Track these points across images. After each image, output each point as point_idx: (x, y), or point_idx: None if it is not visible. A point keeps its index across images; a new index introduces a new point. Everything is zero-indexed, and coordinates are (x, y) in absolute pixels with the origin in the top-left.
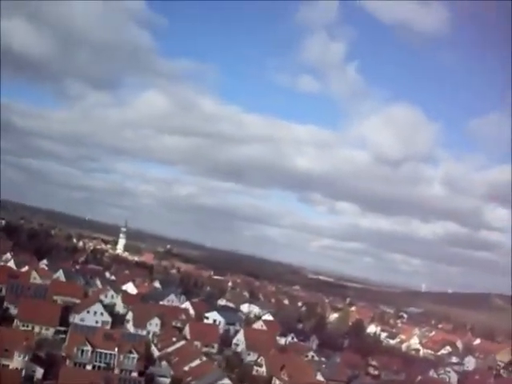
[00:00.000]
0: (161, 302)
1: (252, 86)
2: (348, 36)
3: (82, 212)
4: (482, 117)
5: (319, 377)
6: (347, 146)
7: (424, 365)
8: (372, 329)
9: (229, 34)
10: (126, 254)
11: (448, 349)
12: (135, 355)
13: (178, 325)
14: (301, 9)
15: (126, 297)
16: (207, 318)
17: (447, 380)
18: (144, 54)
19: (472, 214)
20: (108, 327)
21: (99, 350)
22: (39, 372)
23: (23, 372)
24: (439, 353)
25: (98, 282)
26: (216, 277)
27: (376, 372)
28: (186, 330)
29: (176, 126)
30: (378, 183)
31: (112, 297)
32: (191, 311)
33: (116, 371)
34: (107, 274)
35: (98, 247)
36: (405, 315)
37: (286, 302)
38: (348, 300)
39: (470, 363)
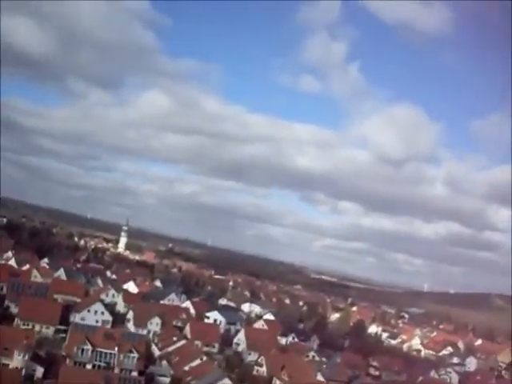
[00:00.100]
0: (162, 301)
1: (254, 86)
2: (350, 36)
3: (83, 210)
4: (484, 117)
5: (319, 377)
6: (349, 145)
7: (425, 365)
8: (373, 329)
9: (232, 34)
10: (127, 253)
11: (449, 349)
12: (135, 354)
13: (179, 324)
14: (303, 9)
15: (127, 296)
16: (208, 317)
17: (448, 381)
18: (147, 53)
19: (474, 215)
20: (109, 326)
21: (99, 350)
22: (39, 371)
23: (23, 371)
24: (440, 353)
25: (99, 281)
26: (217, 276)
27: (377, 372)
28: (187, 330)
29: (179, 125)
30: (380, 183)
31: (113, 296)
32: (192, 310)
33: (116, 370)
34: (108, 273)
35: (100, 246)
36: (406, 315)
37: (288, 301)
38: (350, 300)
39: (472, 364)
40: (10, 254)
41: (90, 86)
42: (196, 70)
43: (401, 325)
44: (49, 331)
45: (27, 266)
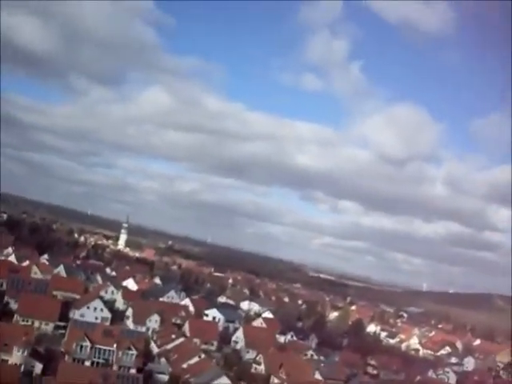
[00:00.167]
0: (161, 299)
1: (256, 84)
2: (351, 35)
3: (83, 207)
4: (484, 117)
5: (317, 375)
6: (350, 144)
7: (423, 365)
8: (372, 328)
9: (234, 32)
10: (127, 250)
11: (447, 349)
12: (134, 352)
13: (178, 322)
14: (305, 8)
15: (127, 293)
16: (207, 315)
17: (446, 380)
18: (149, 50)
19: (474, 214)
20: (108, 323)
21: (98, 346)
22: (38, 367)
23: (22, 367)
24: (439, 353)
25: (99, 278)
26: (216, 273)
27: (375, 371)
28: (186, 327)
29: (180, 123)
30: (381, 182)
31: (112, 293)
32: (191, 308)
33: (114, 367)
34: (108, 270)
35: (100, 242)
36: (405, 315)
37: (287, 299)
38: (348, 299)
39: (470, 364)
40: (10, 249)
41: (91, 83)
42: (198, 68)
43: (399, 324)
44: (48, 327)
45: (27, 262)
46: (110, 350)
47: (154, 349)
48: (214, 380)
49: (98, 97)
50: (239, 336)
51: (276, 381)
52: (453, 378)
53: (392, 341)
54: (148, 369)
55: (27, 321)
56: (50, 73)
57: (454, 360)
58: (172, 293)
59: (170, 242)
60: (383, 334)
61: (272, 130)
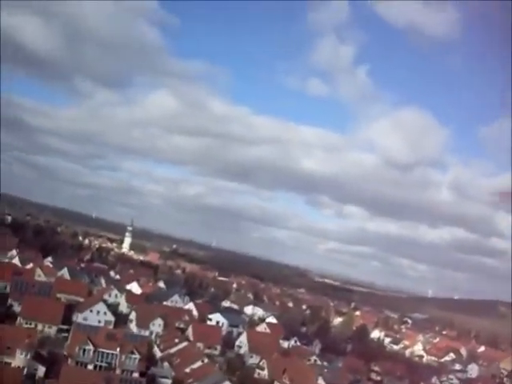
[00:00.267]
0: (165, 303)
1: (261, 88)
2: (358, 39)
3: (88, 209)
4: (491, 122)
5: (321, 381)
6: (356, 149)
7: (427, 371)
8: (376, 334)
9: (240, 36)
10: (131, 253)
11: (452, 356)
12: (137, 356)
13: (181, 326)
14: (311, 12)
15: (130, 296)
16: (210, 319)
17: None
18: (155, 53)
19: (480, 221)
20: (111, 327)
21: (101, 350)
22: (41, 370)
23: (25, 370)
24: (443, 360)
25: (103, 281)
26: (221, 278)
27: (378, 378)
28: (189, 332)
29: (185, 126)
30: (386, 187)
31: (116, 296)
32: (195, 312)
33: (117, 371)
34: (112, 273)
35: (104, 246)
36: (409, 321)
37: (291, 304)
38: (353, 304)
39: (474, 371)
40: (14, 252)
41: (97, 86)
42: (203, 72)
43: (404, 330)
44: (51, 330)
45: (31, 265)
46: (112, 354)
47: (157, 353)
48: None
49: (104, 100)
50: (243, 341)
51: None
52: None
53: (396, 347)
54: (151, 373)
55: (30, 323)
56: (56, 75)
57: (457, 367)
58: (176, 297)
59: (174, 246)
60: (387, 340)
61: (278, 134)
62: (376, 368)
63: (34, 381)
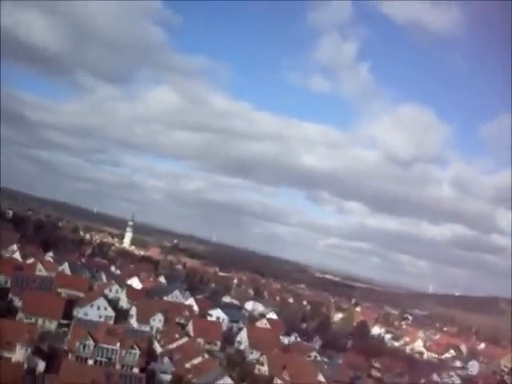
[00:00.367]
0: (165, 298)
1: (264, 84)
2: (360, 36)
3: (89, 204)
4: (492, 119)
5: (321, 377)
6: (357, 145)
7: (427, 368)
8: (376, 330)
9: (242, 32)
10: (132, 248)
11: (452, 352)
12: (137, 351)
13: (182, 321)
14: (314, 9)
15: (131, 292)
16: (211, 315)
17: None
18: (157, 49)
19: (480, 217)
20: (111, 322)
21: (101, 345)
22: (41, 365)
23: (25, 365)
24: (443, 356)
25: (104, 276)
26: (221, 273)
27: (379, 374)
28: (190, 327)
29: (187, 122)
30: (387, 183)
31: (116, 291)
32: (195, 308)
33: (117, 366)
34: (113, 268)
35: (105, 240)
36: (410, 317)
37: (291, 300)
38: (353, 300)
39: (474, 368)
40: (15, 247)
41: (99, 81)
42: (205, 67)
43: (404, 326)
44: (52, 325)
45: (32, 260)
46: (113, 349)
47: (158, 348)
48: (217, 380)
49: (105, 95)
50: (243, 336)
51: (279, 382)
52: (457, 381)
53: (396, 343)
54: (151, 368)
55: (31, 318)
56: (58, 71)
57: (458, 363)
58: (176, 292)
59: (175, 241)
60: (388, 337)
61: (279, 130)
62: (376, 364)
63: (34, 376)
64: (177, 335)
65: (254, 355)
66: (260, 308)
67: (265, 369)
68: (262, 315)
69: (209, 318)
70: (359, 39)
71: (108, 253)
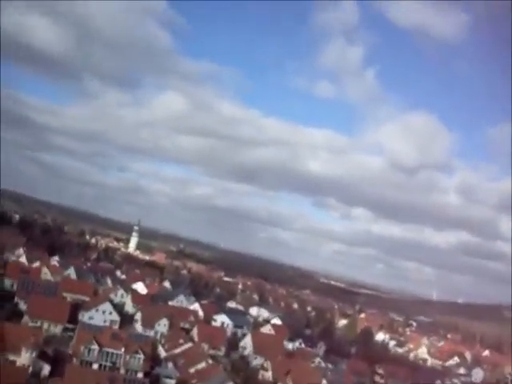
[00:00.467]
0: (170, 303)
1: (269, 90)
2: (366, 41)
3: (95, 208)
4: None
5: (325, 383)
6: (363, 151)
7: (431, 375)
8: (380, 336)
9: (249, 37)
10: (137, 253)
11: (456, 359)
12: (141, 356)
13: (186, 326)
14: (320, 14)
15: (136, 296)
16: (215, 320)
17: None
18: (164, 54)
19: (486, 224)
20: (116, 327)
21: (106, 350)
22: (46, 369)
23: (30, 368)
24: (447, 363)
25: (109, 281)
26: (226, 278)
27: (382, 380)
28: (194, 332)
29: (193, 127)
30: (393, 190)
31: (122, 296)
32: (200, 313)
33: (122, 371)
34: (118, 273)
35: (111, 245)
36: (414, 324)
37: (296, 306)
38: (358, 307)
39: (478, 375)
40: (21, 250)
41: (105, 86)
42: (212, 73)
43: (408, 333)
44: (57, 329)
45: (38, 264)
46: (117, 354)
47: (162, 353)
48: None
49: (112, 99)
50: (247, 342)
51: None
52: None
53: (400, 350)
54: (155, 373)
55: (36, 322)
56: (65, 75)
57: (462, 371)
58: (181, 297)
59: (181, 246)
60: (392, 343)
61: (285, 136)
62: (380, 371)
63: (39, 379)
64: (181, 340)
65: (258, 361)
66: (265, 314)
67: (269, 374)
68: (267, 321)
69: (213, 323)
70: (365, 44)
71: (113, 257)
